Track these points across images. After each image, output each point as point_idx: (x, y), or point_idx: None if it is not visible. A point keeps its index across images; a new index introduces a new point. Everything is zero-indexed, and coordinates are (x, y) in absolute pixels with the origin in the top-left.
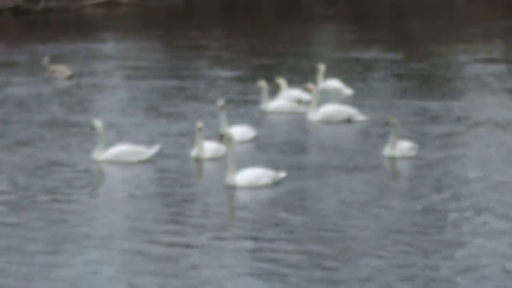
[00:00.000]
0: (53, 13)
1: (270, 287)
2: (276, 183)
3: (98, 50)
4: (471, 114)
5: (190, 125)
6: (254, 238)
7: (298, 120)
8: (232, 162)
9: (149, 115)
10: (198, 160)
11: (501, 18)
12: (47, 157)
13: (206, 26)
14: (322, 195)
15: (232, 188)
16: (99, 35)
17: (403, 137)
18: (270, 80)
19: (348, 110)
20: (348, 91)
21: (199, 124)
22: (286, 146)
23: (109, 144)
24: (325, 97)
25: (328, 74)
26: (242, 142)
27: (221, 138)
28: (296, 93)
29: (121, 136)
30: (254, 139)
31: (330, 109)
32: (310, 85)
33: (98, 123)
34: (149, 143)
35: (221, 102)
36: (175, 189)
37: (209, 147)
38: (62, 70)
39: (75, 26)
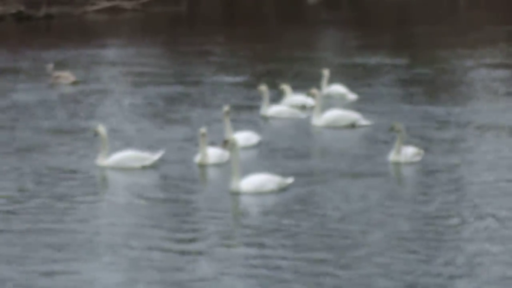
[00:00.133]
0: (55, 19)
1: None
2: (282, 189)
3: (102, 56)
4: (476, 119)
5: (195, 131)
6: (259, 245)
7: (300, 125)
8: (237, 168)
9: (154, 121)
10: (202, 166)
11: (504, 23)
12: (51, 163)
13: (210, 32)
14: (327, 201)
15: (236, 194)
16: (102, 41)
17: (408, 142)
18: (274, 85)
19: (352, 115)
20: (352, 96)
21: (203, 130)
22: (290, 152)
23: (114, 150)
24: (330, 102)
25: (333, 80)
26: (246, 148)
27: (225, 144)
28: (300, 98)
29: (126, 142)
30: (259, 145)
31: (334, 114)
32: (313, 91)
33: (101, 129)
34: (154, 148)
35: (226, 108)
36: (179, 195)
37: (213, 153)
38: (67, 76)
39: (78, 32)
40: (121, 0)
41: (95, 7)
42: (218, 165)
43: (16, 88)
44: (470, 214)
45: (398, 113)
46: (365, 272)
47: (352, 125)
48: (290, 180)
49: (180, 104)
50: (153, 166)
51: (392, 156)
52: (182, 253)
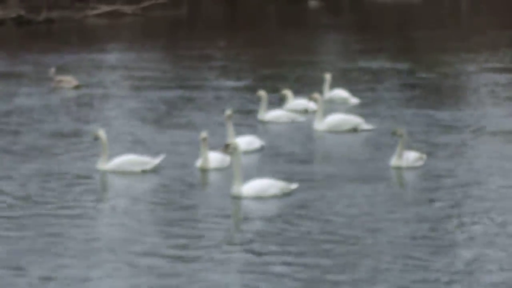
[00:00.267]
0: (56, 24)
1: None
2: (285, 194)
3: (103, 61)
4: (480, 123)
5: (197, 135)
6: (260, 250)
7: (302, 130)
8: (238, 172)
9: (155, 125)
10: (204, 171)
11: (507, 28)
12: (52, 166)
13: (211, 36)
14: (328, 206)
15: (238, 198)
16: (103, 45)
17: (410, 147)
18: (276, 90)
19: (354, 120)
20: (354, 101)
21: (204, 134)
22: (292, 156)
23: (116, 154)
24: (332, 106)
25: (335, 84)
26: (249, 152)
27: (226, 148)
28: (302, 102)
29: (127, 146)
30: (261, 149)
31: (336, 118)
32: (315, 95)
33: (101, 133)
34: (156, 153)
35: (228, 112)
36: (180, 200)
37: (215, 157)
38: (69, 80)
39: (79, 37)
40: (121, 4)
41: (95, 12)
42: (219, 169)
43: (18, 92)
44: (470, 219)
45: (401, 118)
46: (366, 278)
47: (354, 130)
48: (294, 185)
49: (182, 108)
50: (154, 170)
51: (393, 161)
52: (183, 258)
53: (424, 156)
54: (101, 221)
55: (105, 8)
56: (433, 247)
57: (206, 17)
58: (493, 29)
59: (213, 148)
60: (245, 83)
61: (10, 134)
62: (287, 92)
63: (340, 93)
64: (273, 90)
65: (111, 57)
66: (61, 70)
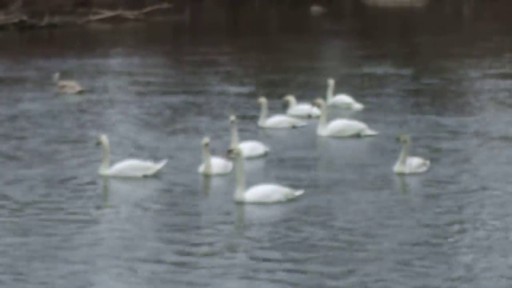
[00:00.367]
0: (58, 29)
1: None
2: (289, 200)
3: (106, 66)
4: (484, 129)
5: (200, 140)
6: (262, 256)
7: (306, 135)
8: (241, 178)
9: (159, 130)
10: (206, 176)
11: (509, 33)
12: (55, 172)
13: (214, 42)
14: (331, 212)
15: (241, 203)
16: (106, 50)
17: (414, 153)
18: (280, 95)
19: (357, 125)
20: (358, 106)
21: (206, 139)
22: (296, 162)
23: (119, 159)
24: (335, 112)
25: (339, 90)
26: (253, 158)
27: (229, 153)
28: (305, 108)
29: (131, 151)
30: (265, 155)
31: (340, 124)
32: (318, 100)
33: (104, 138)
34: (159, 158)
35: (232, 117)
36: (182, 205)
37: (217, 163)
38: (72, 86)
39: (81, 42)
40: (123, 9)
41: (97, 17)
42: (222, 175)
43: (22, 98)
44: (473, 225)
45: (404, 123)
46: (369, 284)
47: (358, 135)
48: (298, 192)
49: (185, 113)
50: (156, 176)
51: (396, 167)
52: (185, 264)
53: (428, 162)
54: (103, 227)
55: (107, 13)
56: (435, 254)
57: (209, 22)
58: (496, 35)
59: (215, 153)
60: (249, 89)
61: (14, 139)
62: (290, 98)
63: (344, 98)
64: (277, 95)
65: (114, 62)
66: (64, 75)
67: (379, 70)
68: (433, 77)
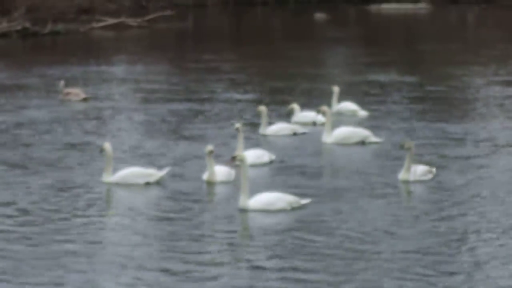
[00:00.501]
0: (61, 36)
1: None
2: (295, 208)
3: (110, 73)
4: (489, 136)
5: (205, 147)
6: (265, 265)
7: (311, 143)
8: (245, 185)
9: (163, 137)
10: (210, 184)
11: None
12: (58, 179)
13: (217, 49)
14: (335, 220)
15: (245, 211)
16: (109, 57)
17: (419, 160)
18: (284, 103)
19: (362, 132)
20: (363, 113)
21: (209, 147)
22: (301, 170)
23: (124, 166)
24: (340, 119)
25: (343, 97)
26: (258, 166)
27: (233, 160)
28: (308, 115)
29: (135, 159)
30: (270, 163)
31: (344, 131)
32: (324, 108)
33: (107, 146)
34: (163, 165)
35: (237, 124)
36: (186, 212)
37: (221, 171)
38: (77, 93)
39: (84, 49)
40: (126, 17)
41: (100, 24)
42: (225, 183)
43: (27, 105)
44: (476, 233)
45: (409, 131)
46: None
47: (363, 142)
48: (304, 200)
49: (189, 121)
50: (160, 183)
51: (401, 175)
52: (188, 272)
53: (434, 169)
54: (106, 235)
55: (110, 20)
56: (439, 262)
57: (212, 29)
58: (500, 42)
59: (219, 161)
60: (253, 96)
61: (20, 146)
62: (294, 106)
63: (348, 105)
64: (281, 103)
65: (118, 69)
66: (68, 82)
67: (384, 77)
68: (438, 84)
